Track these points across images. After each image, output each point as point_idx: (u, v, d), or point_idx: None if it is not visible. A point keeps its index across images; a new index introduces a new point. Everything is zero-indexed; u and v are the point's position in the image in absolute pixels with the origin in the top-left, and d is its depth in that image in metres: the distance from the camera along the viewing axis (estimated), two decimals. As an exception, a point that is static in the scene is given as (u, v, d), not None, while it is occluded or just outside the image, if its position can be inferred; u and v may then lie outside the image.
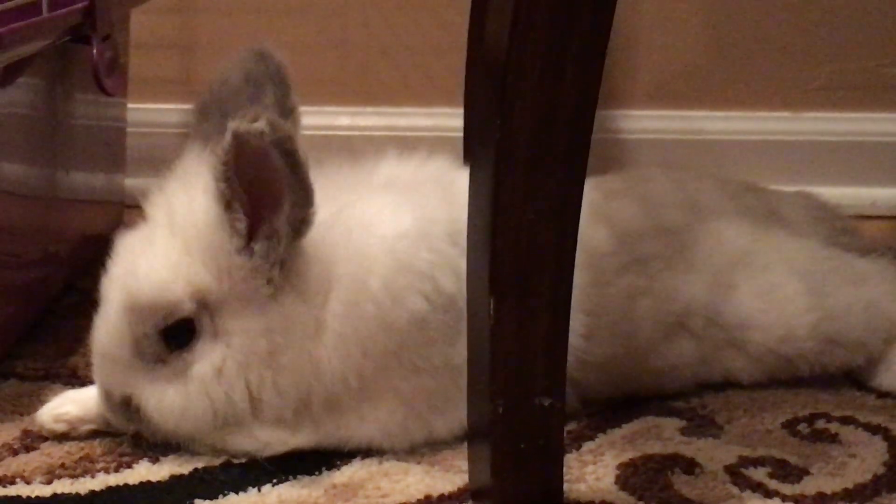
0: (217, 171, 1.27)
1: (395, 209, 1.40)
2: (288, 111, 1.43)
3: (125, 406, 1.36)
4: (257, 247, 1.31)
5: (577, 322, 1.39)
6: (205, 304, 1.33)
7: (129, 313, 1.33)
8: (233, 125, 1.24)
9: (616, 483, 1.33)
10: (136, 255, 1.35)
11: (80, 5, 1.67)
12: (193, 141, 1.43)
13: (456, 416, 1.38)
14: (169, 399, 1.34)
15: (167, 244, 1.33)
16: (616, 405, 1.51)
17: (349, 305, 1.35)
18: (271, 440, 1.38)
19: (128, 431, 1.39)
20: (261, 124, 1.23)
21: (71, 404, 1.44)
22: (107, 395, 1.38)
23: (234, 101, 1.42)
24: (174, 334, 1.33)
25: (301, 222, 1.30)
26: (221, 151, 1.26)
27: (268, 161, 1.26)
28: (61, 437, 1.43)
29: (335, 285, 1.36)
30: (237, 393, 1.34)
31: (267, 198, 1.29)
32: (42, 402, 1.46)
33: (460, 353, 1.31)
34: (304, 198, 1.29)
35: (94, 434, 1.44)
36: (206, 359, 1.33)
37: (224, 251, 1.31)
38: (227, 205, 1.29)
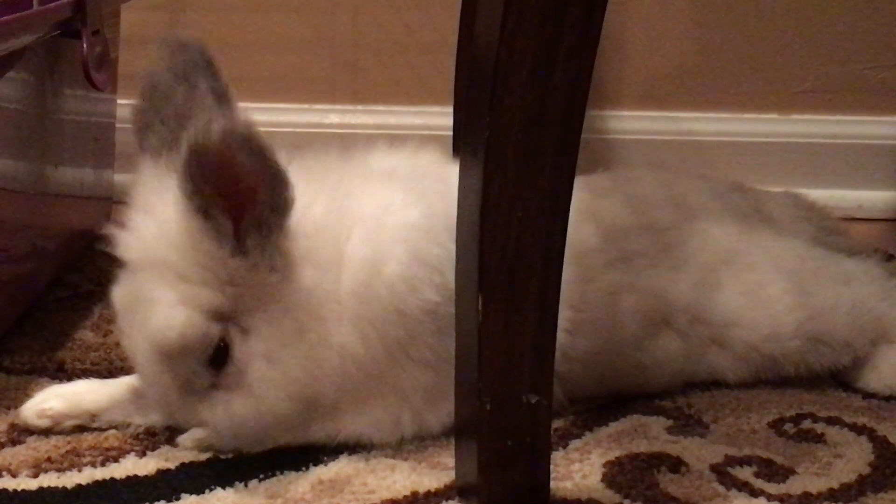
0: (185, 186, 1.24)
1: (404, 200, 1.40)
2: (222, 94, 1.41)
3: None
4: (248, 242, 1.29)
5: (561, 317, 1.38)
6: (224, 317, 1.31)
7: (168, 364, 1.32)
8: (189, 140, 1.21)
9: (602, 481, 1.34)
10: (140, 308, 1.32)
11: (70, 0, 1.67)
12: (143, 158, 1.40)
13: (448, 409, 1.37)
14: (239, 410, 1.33)
15: (160, 281, 1.30)
16: (603, 404, 1.51)
17: (364, 287, 1.35)
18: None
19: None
20: (217, 129, 1.21)
21: (55, 399, 1.44)
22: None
23: (169, 104, 1.40)
24: (215, 359, 1.32)
25: (283, 203, 1.28)
26: (183, 167, 1.23)
27: (233, 161, 1.23)
28: (46, 432, 1.43)
29: (346, 266, 1.35)
30: (295, 370, 1.32)
31: (241, 191, 1.26)
32: (28, 396, 1.45)
33: None
34: (278, 181, 1.27)
35: (78, 429, 1.44)
36: (253, 358, 1.32)
37: (218, 260, 1.29)
38: (205, 214, 1.26)
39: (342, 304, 1.35)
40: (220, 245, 1.28)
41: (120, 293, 1.36)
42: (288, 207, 1.29)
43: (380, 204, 1.40)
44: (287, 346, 1.32)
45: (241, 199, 1.27)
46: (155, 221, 1.32)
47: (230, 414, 1.33)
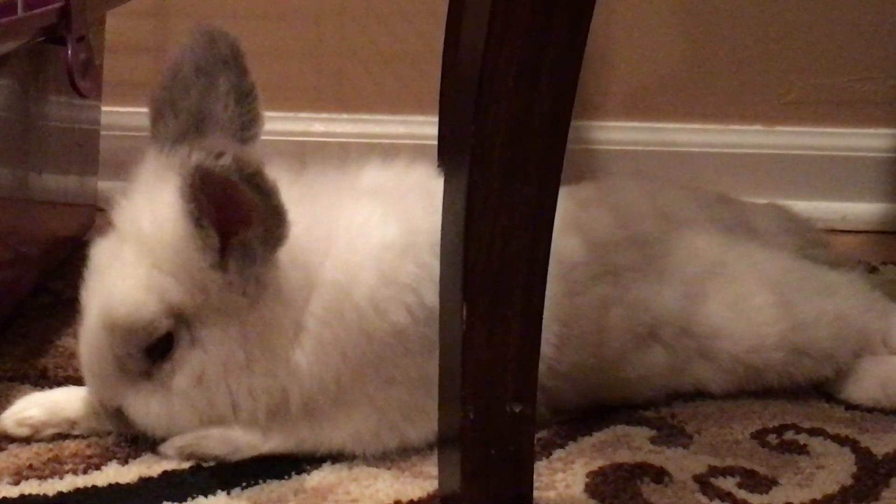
0: (184, 192, 1.25)
1: (382, 218, 1.39)
2: (245, 93, 1.41)
3: (119, 415, 1.37)
4: (231, 262, 1.30)
5: (549, 331, 1.38)
6: (180, 316, 1.32)
7: (108, 336, 1.32)
8: (197, 158, 1.21)
9: (585, 491, 1.33)
10: (110, 273, 1.33)
11: (55, 6, 1.66)
12: (152, 143, 1.40)
13: (429, 426, 1.37)
14: (154, 410, 1.35)
15: (137, 261, 1.31)
16: (586, 414, 1.51)
17: (332, 312, 1.34)
18: (242, 445, 1.37)
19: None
20: (226, 161, 1.20)
21: (35, 408, 1.43)
22: (101, 406, 1.39)
23: (186, 97, 1.39)
24: (155, 348, 1.33)
25: (275, 238, 1.29)
26: (186, 175, 1.23)
27: (234, 191, 1.23)
28: (27, 440, 1.42)
29: (318, 290, 1.35)
30: (219, 398, 1.34)
31: (238, 214, 1.27)
32: (10, 403, 1.45)
33: (437, 365, 1.30)
34: (276, 219, 1.27)
35: (60, 436, 1.43)
36: (186, 368, 1.33)
37: (197, 267, 1.29)
38: (197, 222, 1.27)
39: (302, 329, 1.35)
40: (203, 254, 1.29)
41: (101, 248, 1.37)
42: (280, 243, 1.30)
43: (355, 225, 1.39)
44: (225, 375, 1.33)
45: (235, 221, 1.27)
46: (151, 206, 1.33)
47: (143, 406, 1.35)
